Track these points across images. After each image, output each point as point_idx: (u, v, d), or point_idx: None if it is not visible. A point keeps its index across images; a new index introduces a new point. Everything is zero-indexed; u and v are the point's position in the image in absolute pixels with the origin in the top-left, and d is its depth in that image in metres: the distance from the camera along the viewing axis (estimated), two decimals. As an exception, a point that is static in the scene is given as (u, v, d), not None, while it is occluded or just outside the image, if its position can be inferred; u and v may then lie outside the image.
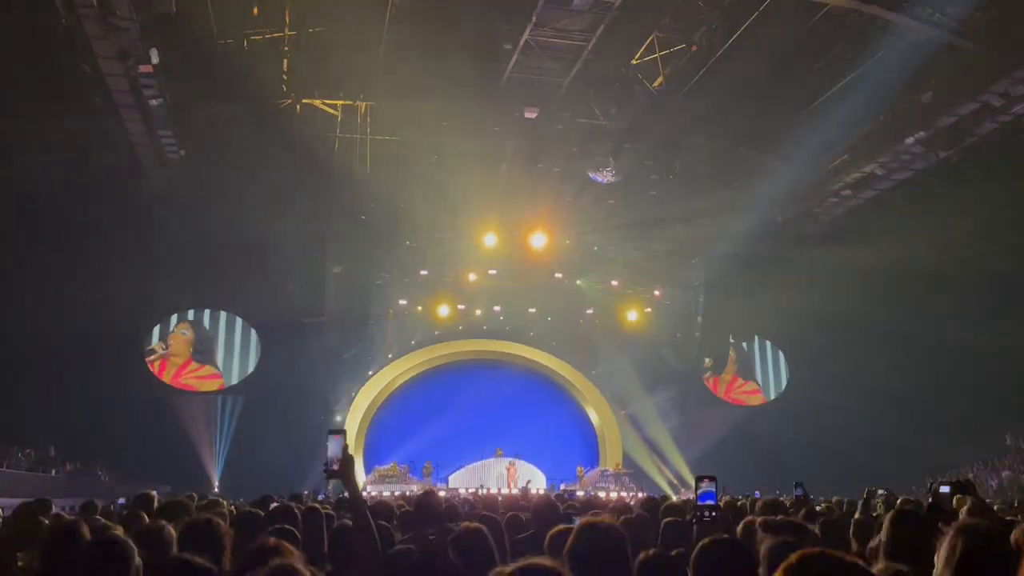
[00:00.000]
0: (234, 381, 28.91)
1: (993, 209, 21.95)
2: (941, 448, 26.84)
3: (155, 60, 17.75)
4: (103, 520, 6.05)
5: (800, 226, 28.00)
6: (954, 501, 5.51)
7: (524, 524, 6.10)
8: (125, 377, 26.22)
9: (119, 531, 4.29)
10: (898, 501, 7.02)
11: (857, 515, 6.19)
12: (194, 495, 8.62)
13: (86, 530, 4.04)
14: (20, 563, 4.65)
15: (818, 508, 7.40)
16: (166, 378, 28.26)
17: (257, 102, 21.95)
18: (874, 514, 6.36)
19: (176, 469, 24.19)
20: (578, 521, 5.12)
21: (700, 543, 2.89)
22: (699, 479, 4.08)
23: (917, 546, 3.03)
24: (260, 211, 24.08)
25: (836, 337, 28.63)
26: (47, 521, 5.67)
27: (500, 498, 15.32)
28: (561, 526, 3.87)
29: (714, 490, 4.00)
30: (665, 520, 5.32)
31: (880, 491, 7.94)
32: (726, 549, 2.84)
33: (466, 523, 4.31)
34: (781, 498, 10.12)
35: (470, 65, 19.78)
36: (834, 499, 10.56)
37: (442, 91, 20.85)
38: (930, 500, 5.26)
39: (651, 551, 3.16)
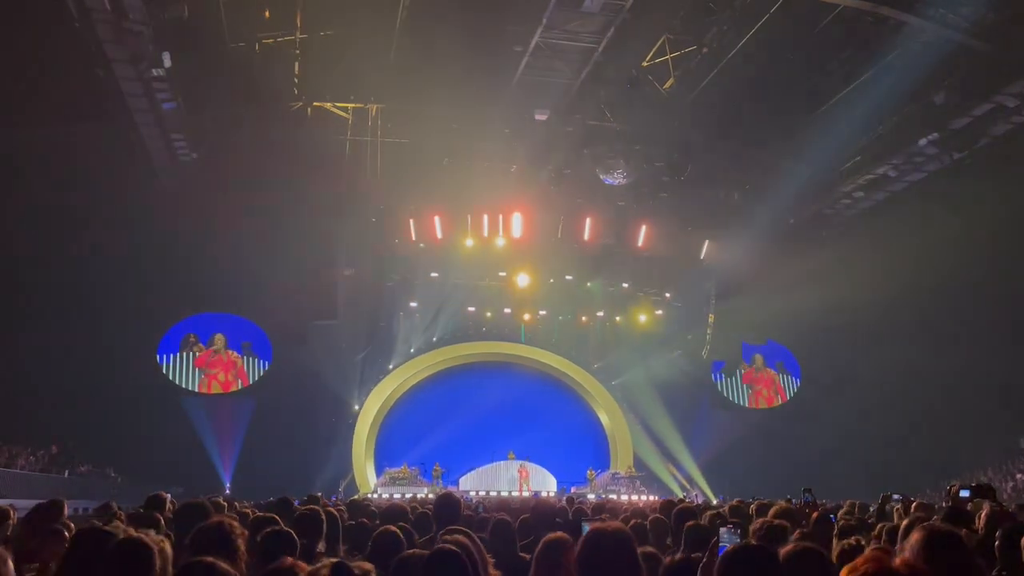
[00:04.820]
0: (247, 383, 29.07)
1: (1008, 211, 21.78)
2: (953, 452, 26.68)
3: (168, 64, 17.85)
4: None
5: (812, 228, 27.87)
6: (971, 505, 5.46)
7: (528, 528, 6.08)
8: (137, 378, 26.34)
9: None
10: (912, 506, 6.96)
11: (874, 521, 6.15)
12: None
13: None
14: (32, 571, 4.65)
15: (833, 515, 7.34)
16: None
17: (268, 105, 22.04)
18: (893, 522, 6.31)
19: (188, 471, 24.29)
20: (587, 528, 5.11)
21: (728, 550, 2.86)
22: (721, 523, 3.92)
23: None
24: (271, 214, 24.18)
25: (848, 340, 28.47)
26: (70, 523, 5.67)
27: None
28: (555, 534, 3.79)
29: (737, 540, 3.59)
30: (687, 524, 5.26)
31: (895, 496, 7.88)
32: (755, 556, 2.80)
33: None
34: (791, 503, 10.05)
35: (480, 67, 19.80)
36: (846, 503, 10.47)
37: (452, 93, 20.89)
38: (949, 504, 5.21)
39: (677, 556, 3.12)
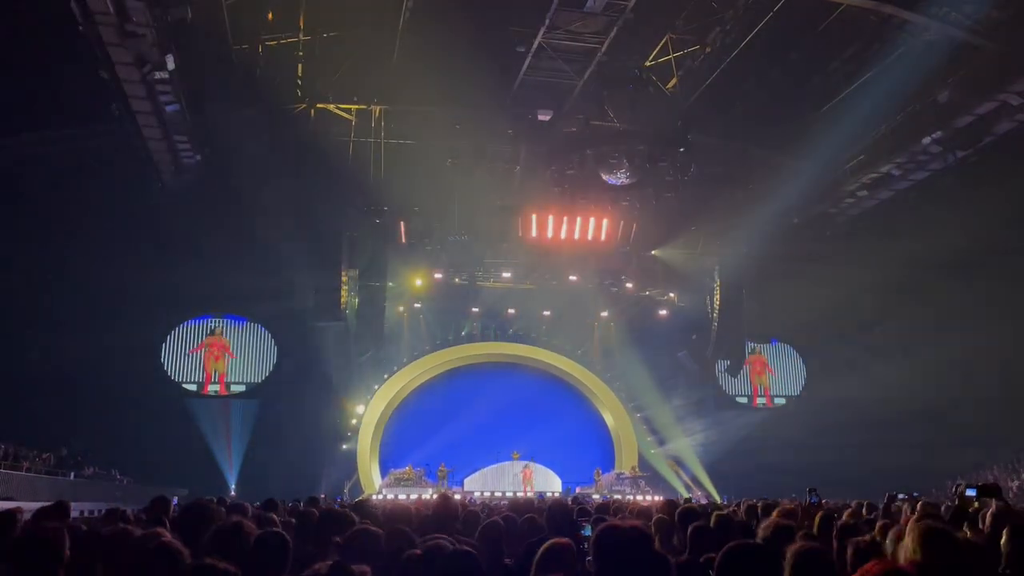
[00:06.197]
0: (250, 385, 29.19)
1: (1012, 209, 21.72)
2: (959, 451, 26.59)
3: (171, 66, 17.86)
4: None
5: (816, 227, 27.82)
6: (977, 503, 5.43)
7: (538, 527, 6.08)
8: (142, 380, 26.41)
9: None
10: (918, 505, 6.94)
11: (879, 520, 6.13)
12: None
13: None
14: None
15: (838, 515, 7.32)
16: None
17: (272, 107, 22.08)
18: (899, 521, 6.28)
19: (193, 473, 24.32)
20: (589, 531, 5.10)
21: (726, 548, 2.85)
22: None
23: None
24: (275, 215, 24.22)
25: (853, 339, 28.41)
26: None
27: (505, 502, 15.20)
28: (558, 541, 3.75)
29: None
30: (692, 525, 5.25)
31: (900, 495, 7.86)
32: (752, 554, 2.80)
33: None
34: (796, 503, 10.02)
35: (483, 68, 19.81)
36: (853, 502, 10.45)
37: (456, 94, 20.91)
38: (955, 503, 5.20)
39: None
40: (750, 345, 32.96)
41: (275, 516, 6.31)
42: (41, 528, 3.58)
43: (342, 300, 27.14)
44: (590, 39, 19.44)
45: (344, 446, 28.84)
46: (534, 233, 26.89)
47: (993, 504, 5.28)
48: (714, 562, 2.97)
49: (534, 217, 26.59)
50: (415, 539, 4.56)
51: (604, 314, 32.17)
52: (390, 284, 29.01)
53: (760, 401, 33.49)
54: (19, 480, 18.33)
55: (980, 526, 5.18)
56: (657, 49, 20.95)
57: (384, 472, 28.84)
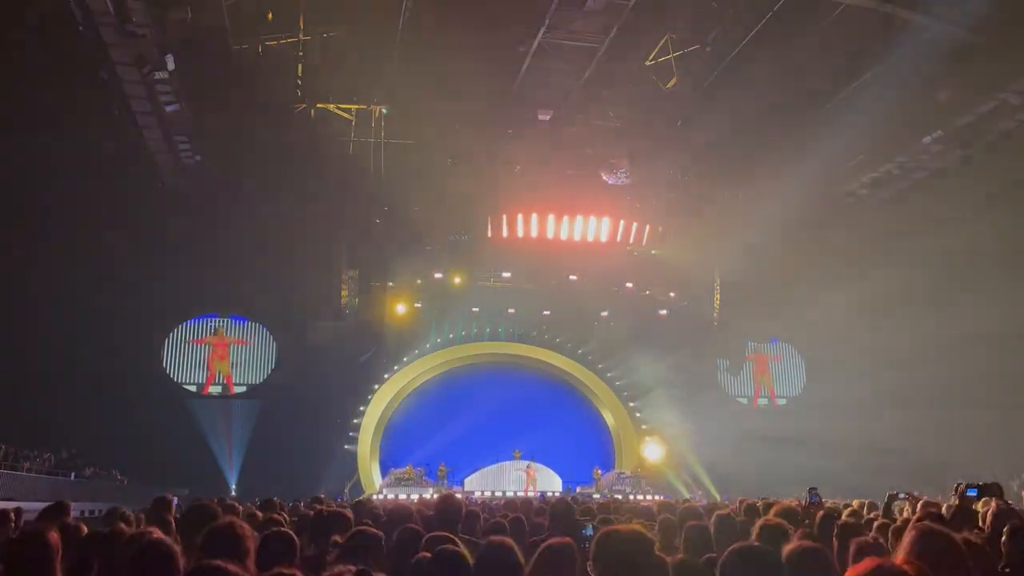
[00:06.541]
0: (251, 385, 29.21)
1: (1013, 208, 21.69)
2: (959, 450, 26.57)
3: (171, 67, 17.88)
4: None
5: (817, 227, 27.79)
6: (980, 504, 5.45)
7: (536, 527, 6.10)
8: (142, 380, 26.40)
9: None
10: (919, 504, 6.94)
11: (879, 519, 6.13)
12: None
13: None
14: None
15: (841, 514, 7.30)
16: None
17: (272, 107, 22.08)
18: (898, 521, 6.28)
19: (193, 473, 24.31)
20: (591, 531, 5.10)
21: (729, 550, 2.84)
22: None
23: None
24: (275, 216, 24.22)
25: (853, 338, 28.37)
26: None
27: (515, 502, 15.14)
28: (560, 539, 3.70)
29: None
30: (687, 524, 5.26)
31: (901, 495, 7.85)
32: (756, 555, 2.80)
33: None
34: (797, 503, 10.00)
35: (483, 68, 19.82)
36: (854, 502, 10.44)
37: (456, 94, 20.91)
38: (956, 502, 5.20)
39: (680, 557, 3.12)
40: (751, 345, 33.00)
41: (284, 516, 6.31)
42: (32, 528, 3.56)
43: (342, 300, 27.14)
44: (590, 38, 19.44)
45: (344, 446, 28.82)
46: (534, 233, 26.92)
47: (994, 504, 5.28)
48: (714, 562, 2.97)
49: (534, 217, 26.61)
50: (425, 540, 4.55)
51: (604, 314, 32.16)
52: (390, 284, 29.00)
53: (761, 401, 33.48)
54: (20, 480, 18.35)
55: (980, 525, 5.18)
56: (657, 49, 20.94)
57: (384, 472, 28.82)
